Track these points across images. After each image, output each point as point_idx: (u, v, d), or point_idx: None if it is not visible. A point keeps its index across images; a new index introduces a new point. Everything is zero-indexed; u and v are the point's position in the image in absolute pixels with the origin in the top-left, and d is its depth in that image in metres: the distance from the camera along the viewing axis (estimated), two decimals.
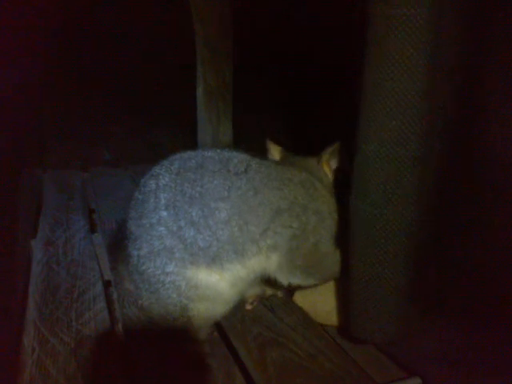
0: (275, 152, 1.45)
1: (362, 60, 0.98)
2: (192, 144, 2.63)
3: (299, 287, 1.36)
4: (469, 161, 1.01)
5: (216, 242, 1.12)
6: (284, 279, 1.24)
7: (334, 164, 1.36)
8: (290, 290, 1.48)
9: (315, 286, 1.35)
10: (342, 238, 1.17)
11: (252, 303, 1.40)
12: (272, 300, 1.46)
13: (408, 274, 1.04)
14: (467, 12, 0.94)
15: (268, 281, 1.29)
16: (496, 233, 0.99)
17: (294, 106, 2.64)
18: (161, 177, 1.17)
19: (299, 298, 1.45)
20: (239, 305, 1.34)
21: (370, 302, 1.06)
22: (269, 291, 1.46)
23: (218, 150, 1.23)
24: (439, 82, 0.94)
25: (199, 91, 2.46)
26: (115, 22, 2.76)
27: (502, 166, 0.96)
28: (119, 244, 1.37)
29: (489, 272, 1.01)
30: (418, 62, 0.91)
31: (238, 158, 1.20)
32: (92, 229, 1.93)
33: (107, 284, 1.49)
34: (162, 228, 1.13)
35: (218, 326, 1.32)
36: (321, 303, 1.37)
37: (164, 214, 1.13)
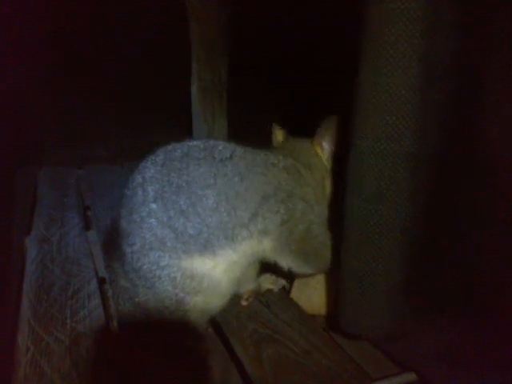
0: (279, 135, 1.45)
1: (357, 57, 0.97)
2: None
3: (296, 275, 1.38)
4: (468, 160, 1.01)
5: (206, 228, 1.13)
6: (283, 263, 1.26)
7: (326, 145, 1.36)
8: (285, 287, 1.48)
9: (312, 275, 1.36)
10: (335, 233, 1.17)
11: (247, 299, 1.40)
12: (268, 296, 1.45)
13: (403, 271, 1.04)
14: (465, 10, 0.94)
15: (269, 267, 1.30)
16: (496, 232, 0.99)
17: (291, 104, 2.63)
18: (147, 170, 1.18)
19: (295, 293, 1.45)
20: (235, 301, 1.34)
21: (365, 298, 1.06)
22: (264, 287, 1.46)
23: (203, 140, 1.24)
24: (436, 79, 0.94)
25: (194, 89, 2.46)
26: (112, 21, 2.75)
27: (502, 166, 0.96)
28: (114, 241, 1.36)
29: (488, 271, 1.01)
30: (412, 58, 0.91)
31: (223, 145, 1.21)
32: (87, 226, 1.92)
33: (102, 281, 1.48)
34: (153, 220, 1.13)
35: (213, 322, 1.31)
36: (317, 297, 1.37)
37: (153, 206, 1.14)
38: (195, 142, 1.22)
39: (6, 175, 2.16)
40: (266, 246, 1.21)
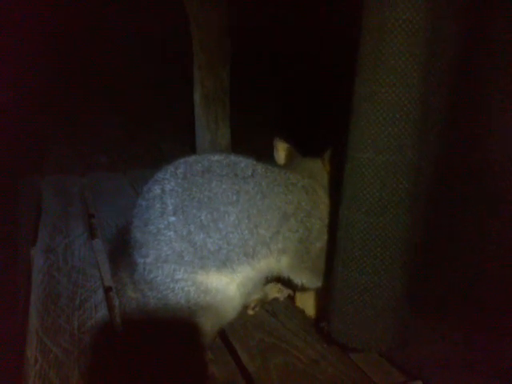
0: (281, 149, 1.44)
1: (356, 67, 0.97)
2: (190, 147, 2.64)
3: (305, 289, 1.37)
4: (468, 167, 1.01)
5: (226, 245, 1.13)
6: (297, 280, 1.28)
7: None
8: (290, 295, 1.49)
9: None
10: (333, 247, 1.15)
11: (254, 308, 1.41)
12: (274, 305, 1.46)
13: (404, 281, 1.04)
14: (465, 19, 0.94)
15: (280, 281, 1.33)
16: (496, 238, 0.99)
17: (293, 108, 2.64)
18: (166, 182, 1.17)
19: (301, 300, 1.46)
20: (242, 310, 1.34)
21: (366, 311, 1.05)
22: (270, 296, 1.47)
23: (224, 154, 1.24)
24: (436, 88, 0.94)
25: (196, 96, 2.47)
26: (115, 30, 2.77)
27: (501, 172, 0.96)
28: (120, 250, 1.37)
29: (489, 276, 1.01)
30: (414, 67, 0.91)
31: (244, 163, 1.21)
32: (92, 234, 1.93)
33: (108, 289, 1.49)
34: (171, 233, 1.13)
35: (220, 331, 1.31)
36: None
37: (172, 218, 1.13)
38: (216, 157, 1.21)
39: (9, 184, 2.17)
40: (282, 264, 1.22)
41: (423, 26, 0.90)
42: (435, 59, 0.94)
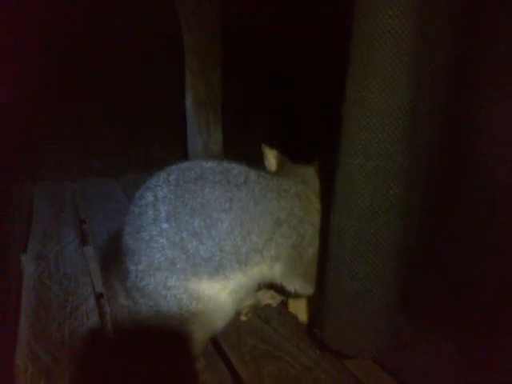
0: (271, 156, 1.44)
1: (346, 72, 0.97)
2: (182, 152, 2.64)
3: (298, 295, 1.37)
4: (458, 172, 1.01)
5: (219, 252, 1.13)
6: (290, 287, 1.27)
7: None
8: (283, 301, 1.48)
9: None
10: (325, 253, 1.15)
11: (247, 314, 1.40)
12: (266, 310, 1.46)
13: (396, 286, 1.04)
14: (454, 25, 0.94)
15: (272, 287, 1.32)
16: (489, 246, 0.99)
17: (285, 112, 2.65)
18: (159, 188, 1.17)
19: (294, 306, 1.46)
20: (234, 316, 1.33)
21: (360, 317, 1.05)
22: (263, 302, 1.46)
23: (217, 161, 1.23)
24: (426, 93, 0.95)
25: (188, 101, 2.46)
26: (107, 35, 2.76)
27: (492, 177, 0.96)
28: (111, 257, 1.36)
29: (489, 278, 1.01)
30: (403, 74, 0.91)
31: (237, 169, 1.21)
32: (83, 241, 1.91)
33: (99, 297, 1.48)
34: (163, 240, 1.12)
35: (212, 338, 1.30)
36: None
37: (165, 225, 1.13)
38: (209, 164, 1.21)
39: (1, 191, 2.15)
40: (275, 271, 1.22)
41: (413, 32, 0.90)
42: (426, 64, 0.95)
